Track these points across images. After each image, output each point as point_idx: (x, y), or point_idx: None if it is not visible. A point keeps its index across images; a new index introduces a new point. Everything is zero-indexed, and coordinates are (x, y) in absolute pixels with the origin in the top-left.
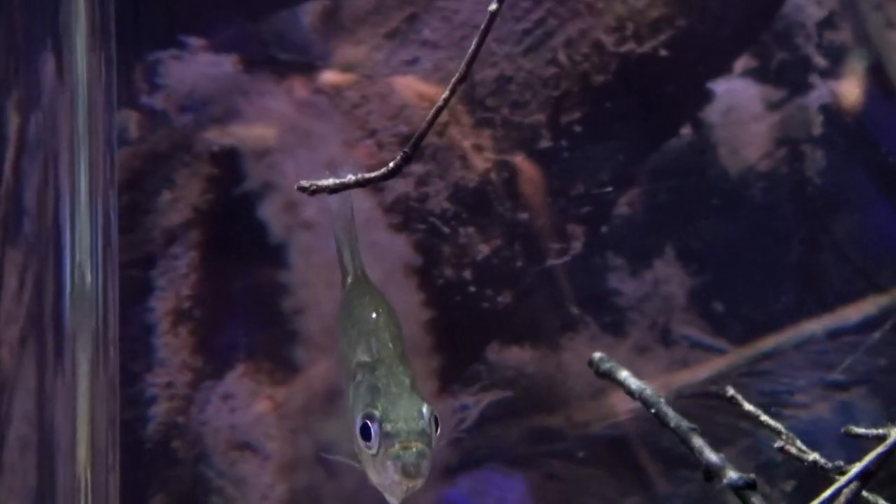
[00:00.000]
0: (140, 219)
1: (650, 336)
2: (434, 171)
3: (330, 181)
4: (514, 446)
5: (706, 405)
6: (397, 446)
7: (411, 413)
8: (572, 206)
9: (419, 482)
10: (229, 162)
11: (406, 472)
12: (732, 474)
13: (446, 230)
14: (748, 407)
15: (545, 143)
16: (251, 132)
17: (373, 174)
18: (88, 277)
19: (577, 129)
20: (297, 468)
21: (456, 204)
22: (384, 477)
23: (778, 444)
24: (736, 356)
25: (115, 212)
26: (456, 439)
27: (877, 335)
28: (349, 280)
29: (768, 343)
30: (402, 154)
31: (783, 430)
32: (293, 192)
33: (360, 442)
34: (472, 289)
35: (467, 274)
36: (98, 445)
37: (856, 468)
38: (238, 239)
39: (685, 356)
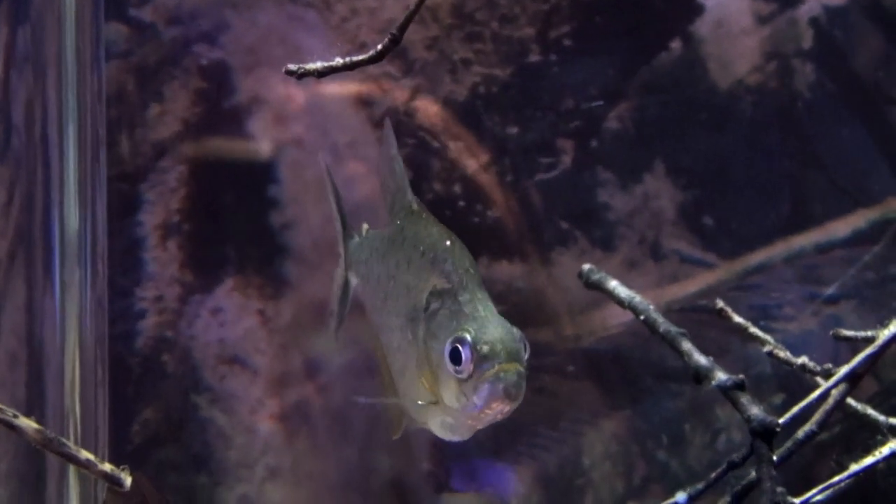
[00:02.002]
0: (128, 132)
1: (640, 250)
2: (423, 84)
3: (318, 64)
4: None
5: (695, 319)
6: (496, 368)
7: (506, 335)
8: (562, 120)
9: (514, 406)
10: (218, 75)
11: (507, 394)
12: (721, 375)
13: (436, 144)
14: (737, 319)
15: (534, 58)
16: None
17: (361, 57)
18: (76, 192)
19: (567, 43)
20: (287, 383)
21: (445, 118)
22: (475, 401)
23: (767, 348)
24: (725, 270)
25: (104, 126)
26: None
27: (867, 256)
28: (399, 213)
29: (758, 257)
30: (389, 36)
31: (772, 340)
32: (282, 107)
33: (449, 367)
34: (462, 203)
35: (457, 188)
36: (87, 360)
37: (843, 370)
38: (227, 153)
39: (675, 271)
